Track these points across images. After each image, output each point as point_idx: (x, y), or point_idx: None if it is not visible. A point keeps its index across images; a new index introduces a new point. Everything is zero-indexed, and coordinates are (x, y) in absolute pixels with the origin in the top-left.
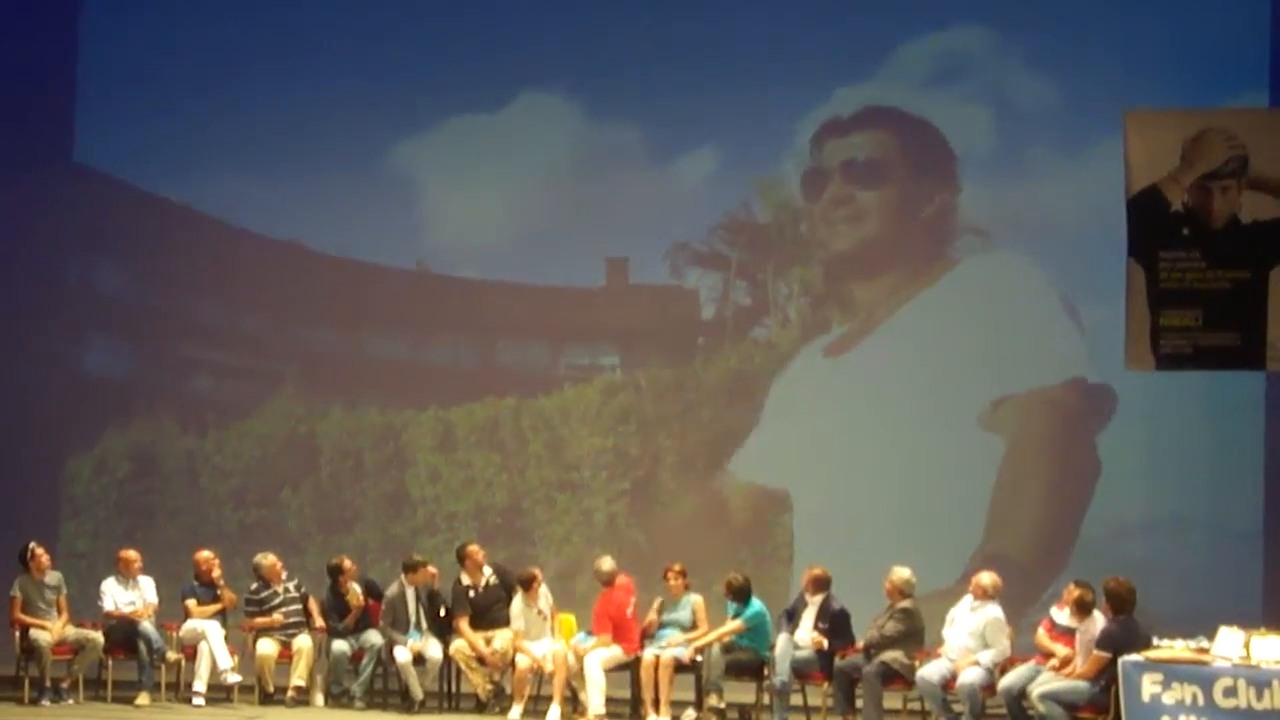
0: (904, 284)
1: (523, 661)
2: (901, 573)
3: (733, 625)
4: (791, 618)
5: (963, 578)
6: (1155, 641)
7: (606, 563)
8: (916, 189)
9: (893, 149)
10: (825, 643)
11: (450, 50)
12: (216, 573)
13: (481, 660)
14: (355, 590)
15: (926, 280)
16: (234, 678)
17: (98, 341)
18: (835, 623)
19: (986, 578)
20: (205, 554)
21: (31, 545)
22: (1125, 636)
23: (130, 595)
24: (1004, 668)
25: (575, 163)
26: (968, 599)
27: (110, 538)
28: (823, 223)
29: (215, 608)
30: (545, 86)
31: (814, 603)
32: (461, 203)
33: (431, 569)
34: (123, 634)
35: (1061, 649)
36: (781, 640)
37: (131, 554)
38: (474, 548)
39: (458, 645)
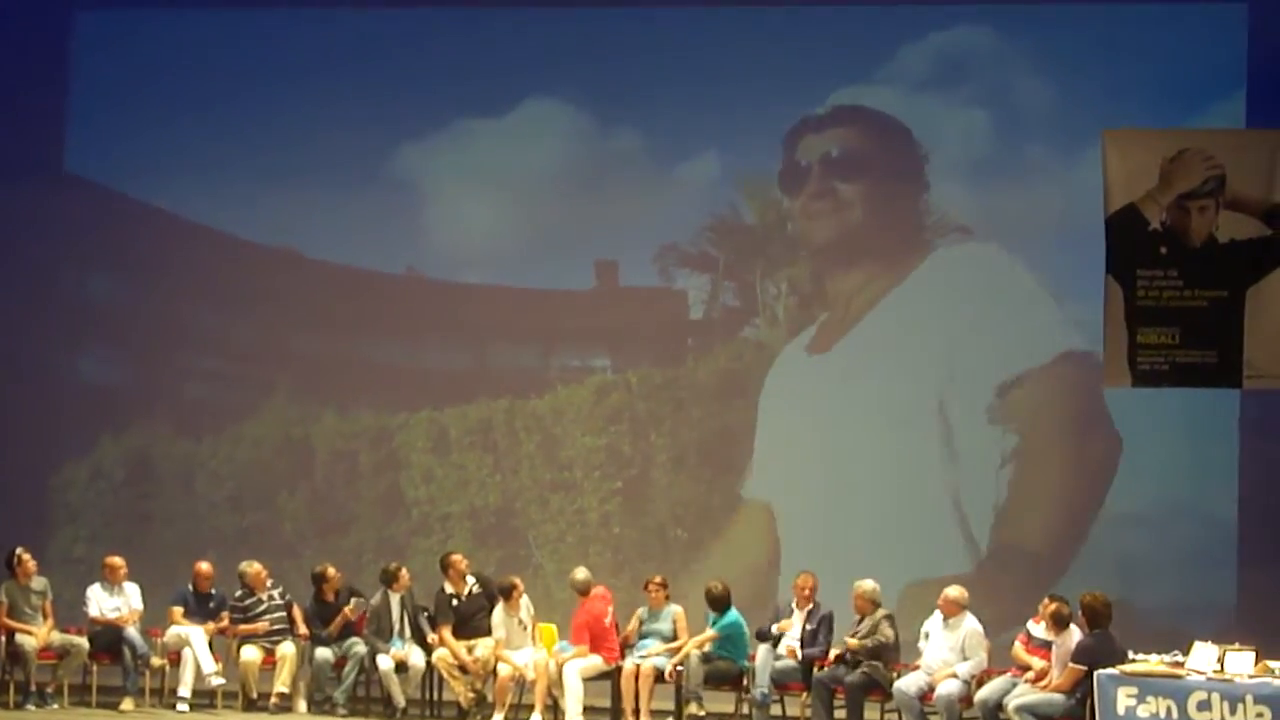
0: (885, 278)
1: (504, 670)
2: (866, 584)
3: (708, 634)
4: (762, 637)
5: (974, 569)
6: (1130, 655)
7: (581, 573)
8: (894, 184)
9: (870, 145)
10: (800, 653)
11: (450, 58)
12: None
13: (463, 668)
14: (352, 606)
15: (905, 274)
16: (218, 680)
17: (92, 349)
18: (820, 624)
19: (954, 591)
20: (205, 566)
21: (18, 550)
22: (1101, 650)
23: (115, 601)
24: (980, 680)
25: (566, 168)
26: (938, 614)
27: (106, 543)
28: (804, 217)
29: (207, 625)
30: (546, 92)
31: (802, 611)
32: (453, 208)
33: (405, 572)
34: (107, 639)
35: (1038, 662)
36: (762, 651)
37: (117, 560)
38: (457, 557)
39: (440, 653)
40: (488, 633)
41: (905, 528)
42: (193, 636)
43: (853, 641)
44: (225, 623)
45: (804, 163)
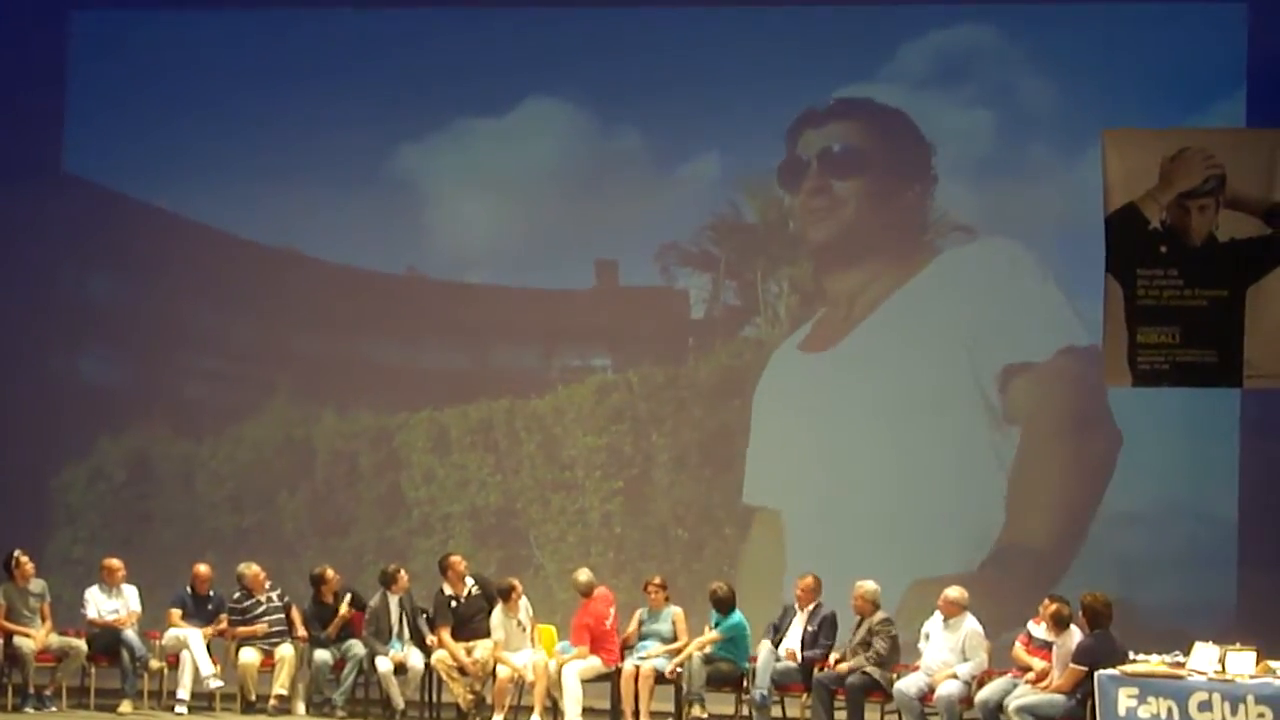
0: (886, 277)
1: (503, 671)
2: (868, 585)
3: (710, 636)
4: (778, 630)
5: (975, 569)
6: (1131, 656)
7: (583, 574)
8: (896, 180)
9: (871, 141)
10: (799, 656)
11: (450, 58)
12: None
13: (462, 670)
14: (346, 604)
15: (905, 272)
16: (216, 683)
17: (92, 349)
18: (822, 626)
19: (954, 592)
20: (203, 568)
21: (15, 553)
22: (1102, 650)
23: (114, 603)
24: (981, 681)
25: (566, 168)
26: (938, 615)
27: (106, 544)
28: (805, 213)
29: (205, 629)
30: (546, 92)
31: (804, 611)
32: (453, 208)
33: (404, 573)
34: (106, 641)
35: (1038, 663)
36: (764, 652)
37: (115, 562)
38: (456, 558)
39: (439, 655)
40: (487, 634)
41: (907, 527)
42: (191, 639)
43: (841, 666)
44: (224, 625)
45: (804, 157)
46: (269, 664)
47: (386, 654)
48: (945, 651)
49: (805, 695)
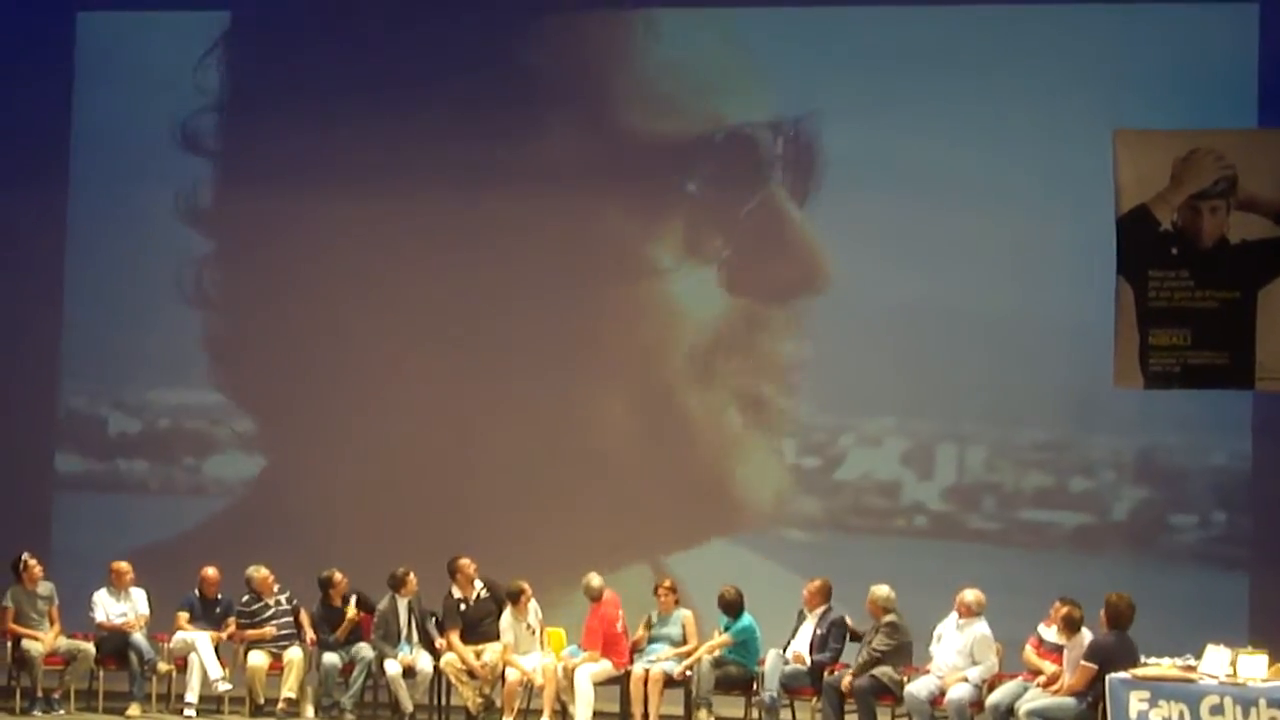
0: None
1: (512, 675)
2: (881, 590)
3: (720, 639)
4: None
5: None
6: (1143, 659)
7: (595, 578)
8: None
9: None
10: (807, 659)
11: None
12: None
13: (471, 674)
14: (352, 607)
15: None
16: (224, 686)
17: None
18: (831, 629)
19: (970, 595)
20: (212, 571)
21: (24, 556)
22: (1116, 650)
23: (122, 607)
24: (992, 684)
25: None
26: (953, 616)
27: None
28: None
29: (214, 633)
30: None
31: (813, 615)
32: None
33: (413, 577)
34: (114, 645)
35: (1049, 666)
36: (772, 656)
37: (123, 565)
38: (465, 561)
39: (448, 658)
40: (496, 638)
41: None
42: (199, 642)
43: (845, 682)
44: (232, 628)
45: None
46: (277, 667)
47: (395, 657)
48: (954, 654)
49: (815, 699)
